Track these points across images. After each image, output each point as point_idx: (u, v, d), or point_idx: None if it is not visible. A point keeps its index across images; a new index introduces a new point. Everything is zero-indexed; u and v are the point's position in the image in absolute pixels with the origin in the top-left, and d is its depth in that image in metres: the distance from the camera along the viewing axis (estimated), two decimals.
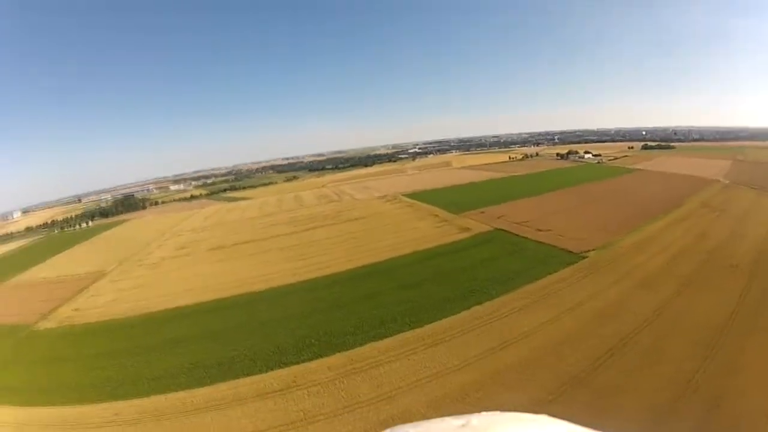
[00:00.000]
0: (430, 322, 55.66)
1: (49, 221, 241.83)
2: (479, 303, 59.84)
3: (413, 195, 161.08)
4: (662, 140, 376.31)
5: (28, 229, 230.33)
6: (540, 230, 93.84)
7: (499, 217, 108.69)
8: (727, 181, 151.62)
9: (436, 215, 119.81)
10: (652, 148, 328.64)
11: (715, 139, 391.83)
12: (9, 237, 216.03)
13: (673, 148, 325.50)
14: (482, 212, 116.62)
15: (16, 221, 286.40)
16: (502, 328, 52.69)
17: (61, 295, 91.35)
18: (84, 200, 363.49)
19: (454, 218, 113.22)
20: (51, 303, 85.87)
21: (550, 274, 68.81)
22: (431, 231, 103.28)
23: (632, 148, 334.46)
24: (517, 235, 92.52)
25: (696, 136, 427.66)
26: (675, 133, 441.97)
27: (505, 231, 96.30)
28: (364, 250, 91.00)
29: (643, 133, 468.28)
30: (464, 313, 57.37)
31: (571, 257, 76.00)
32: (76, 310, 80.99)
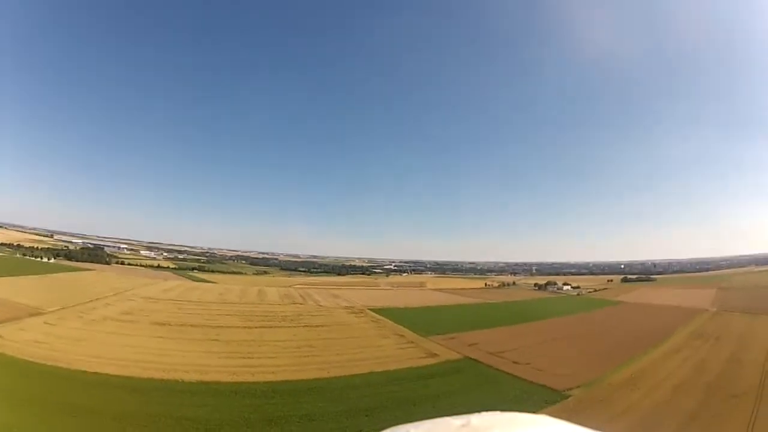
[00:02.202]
0: None
1: (14, 243, 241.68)
2: None
3: (381, 311, 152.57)
4: (641, 273, 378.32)
5: None
6: (516, 363, 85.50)
7: (470, 345, 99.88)
8: (715, 309, 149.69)
9: (402, 335, 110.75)
10: (632, 280, 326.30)
11: (695, 270, 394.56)
12: None
13: (653, 280, 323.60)
14: (452, 338, 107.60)
15: None
16: None
17: None
18: (56, 237, 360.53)
19: (422, 341, 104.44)
20: None
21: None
22: (394, 352, 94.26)
23: (611, 281, 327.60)
24: (489, 366, 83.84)
25: (676, 268, 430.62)
26: (654, 266, 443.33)
27: (477, 361, 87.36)
28: (318, 362, 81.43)
29: (622, 266, 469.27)
30: None
31: (552, 395, 67.68)
32: None
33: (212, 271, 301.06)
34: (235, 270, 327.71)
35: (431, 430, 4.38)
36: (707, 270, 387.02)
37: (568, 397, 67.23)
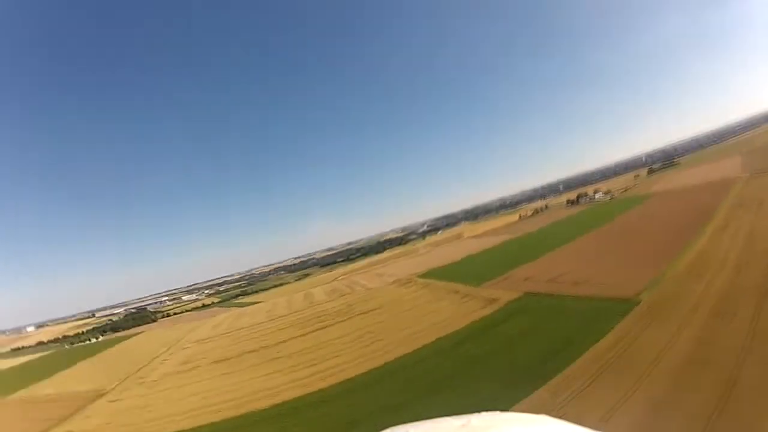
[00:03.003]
0: None
1: (60, 336, 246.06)
2: (534, 390, 45.97)
3: (428, 274, 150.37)
4: (665, 160, 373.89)
5: (40, 344, 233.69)
6: (576, 283, 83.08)
7: (525, 279, 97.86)
8: (747, 174, 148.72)
9: (456, 291, 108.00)
10: (657, 170, 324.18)
11: (715, 142, 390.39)
12: (20, 351, 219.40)
13: (678, 164, 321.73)
14: (506, 278, 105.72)
15: (29, 335, 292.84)
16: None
17: (58, 414, 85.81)
18: (98, 314, 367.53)
19: (477, 291, 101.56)
20: (46, 423, 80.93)
21: (606, 333, 56.49)
22: (453, 311, 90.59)
23: (638, 176, 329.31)
24: (551, 294, 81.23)
25: (695, 145, 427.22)
26: (676, 150, 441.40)
27: (537, 293, 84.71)
28: (381, 347, 78.48)
29: (644, 159, 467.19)
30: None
31: (622, 305, 64.42)
32: None
33: (255, 292, 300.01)
34: (276, 283, 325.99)
35: (431, 430, 4.36)
36: (727, 139, 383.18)
37: (638, 302, 64.23)
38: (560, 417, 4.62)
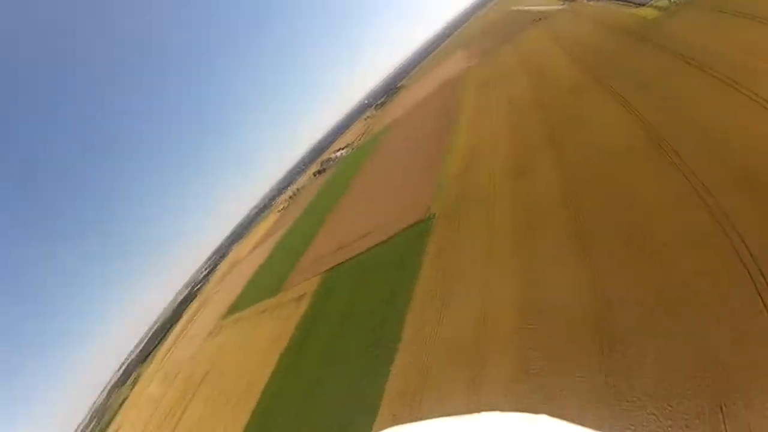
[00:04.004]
0: None
1: None
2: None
3: (231, 310, 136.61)
4: (388, 90, 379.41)
5: None
6: (364, 236, 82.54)
7: (316, 261, 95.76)
8: (477, 60, 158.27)
9: (264, 310, 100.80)
10: (385, 102, 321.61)
11: (434, 48, 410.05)
12: None
13: (402, 87, 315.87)
14: (298, 271, 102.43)
15: None
16: None
17: None
18: None
19: (282, 297, 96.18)
20: None
21: (423, 254, 58.30)
22: (274, 328, 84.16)
23: (369, 117, 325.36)
24: (349, 259, 79.97)
25: (418, 60, 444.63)
26: (396, 76, 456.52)
27: (335, 267, 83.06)
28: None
29: (366, 101, 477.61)
30: None
31: (421, 226, 66.13)
32: None
33: None
34: None
35: (431, 430, 4.49)
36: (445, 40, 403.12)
37: (433, 215, 66.98)
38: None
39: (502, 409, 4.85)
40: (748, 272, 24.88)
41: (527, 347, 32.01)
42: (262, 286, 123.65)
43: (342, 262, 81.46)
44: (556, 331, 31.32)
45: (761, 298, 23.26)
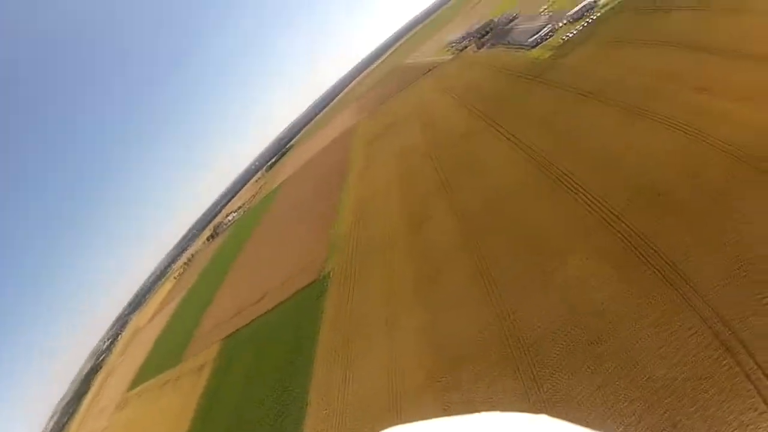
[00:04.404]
0: None
1: None
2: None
3: (135, 381, 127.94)
4: (277, 151, 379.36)
5: None
6: (259, 301, 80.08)
7: (215, 328, 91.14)
8: (365, 114, 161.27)
9: (167, 381, 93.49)
10: (275, 163, 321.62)
11: (322, 109, 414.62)
12: None
13: (291, 146, 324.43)
14: (197, 338, 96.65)
15: None
16: None
17: None
18: None
19: (183, 367, 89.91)
20: None
21: (322, 313, 56.50)
22: (174, 402, 78.29)
23: (260, 178, 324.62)
24: (246, 325, 76.47)
25: (305, 122, 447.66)
26: (285, 136, 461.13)
27: (234, 333, 79.19)
28: None
29: (254, 164, 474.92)
30: None
31: (318, 286, 64.31)
32: None
33: None
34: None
35: (431, 430, 4.45)
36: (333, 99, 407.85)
37: (328, 274, 65.59)
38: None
39: None
40: (673, 287, 25.11)
41: (443, 393, 30.95)
42: (164, 356, 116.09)
43: (240, 328, 77.55)
44: (472, 375, 30.20)
45: (691, 305, 23.52)
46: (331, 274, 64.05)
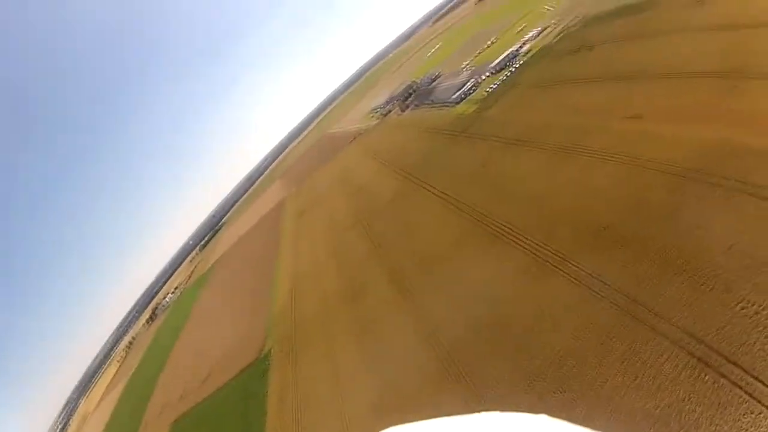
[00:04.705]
0: None
1: None
2: None
3: None
4: (211, 229, 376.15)
5: None
6: (204, 381, 76.33)
7: (161, 413, 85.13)
8: (294, 188, 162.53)
9: None
10: (207, 242, 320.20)
11: (258, 177, 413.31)
12: None
13: (223, 223, 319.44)
14: (146, 425, 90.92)
15: None
16: None
17: None
18: None
19: None
20: None
21: (266, 394, 54.08)
22: None
23: (194, 257, 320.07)
24: (193, 407, 72.23)
25: (234, 200, 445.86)
26: (216, 215, 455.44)
27: (181, 416, 74.21)
28: None
29: (189, 242, 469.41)
30: None
31: (260, 365, 62.53)
32: None
33: None
34: None
35: (431, 430, 4.38)
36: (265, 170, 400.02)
37: (269, 352, 64.07)
38: None
39: None
40: (635, 317, 24.75)
41: None
42: None
43: (187, 412, 73.72)
44: None
45: (658, 332, 23.10)
46: (272, 351, 62.30)
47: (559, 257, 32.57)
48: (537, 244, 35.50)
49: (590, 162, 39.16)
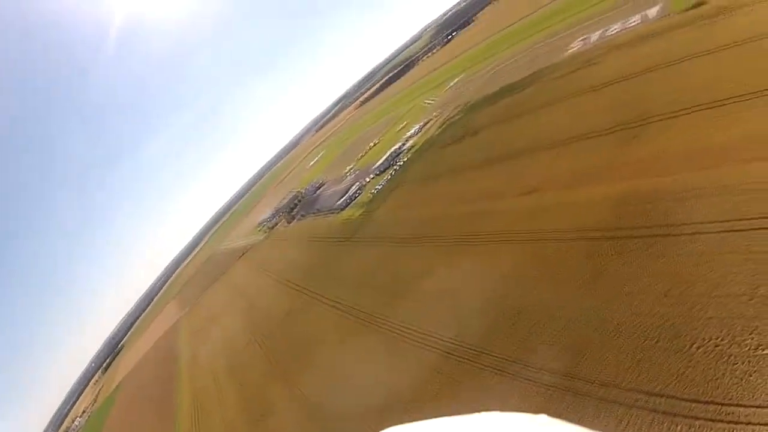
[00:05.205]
0: None
1: None
2: None
3: None
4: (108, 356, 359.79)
5: None
6: None
7: None
8: (187, 308, 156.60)
9: None
10: (107, 367, 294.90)
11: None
12: None
13: (121, 347, 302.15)
14: None
15: None
16: None
17: None
18: None
19: None
20: None
21: None
22: None
23: (97, 394, 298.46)
24: None
25: None
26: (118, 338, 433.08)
27: None
28: None
29: (91, 364, 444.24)
30: None
31: None
32: None
33: None
34: None
35: (431, 430, 4.34)
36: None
37: None
38: None
39: None
40: (577, 394, 22.34)
41: None
42: None
43: None
44: None
45: (608, 401, 20.79)
46: None
47: (476, 352, 29.78)
48: (449, 343, 32.59)
49: (491, 247, 37.82)
